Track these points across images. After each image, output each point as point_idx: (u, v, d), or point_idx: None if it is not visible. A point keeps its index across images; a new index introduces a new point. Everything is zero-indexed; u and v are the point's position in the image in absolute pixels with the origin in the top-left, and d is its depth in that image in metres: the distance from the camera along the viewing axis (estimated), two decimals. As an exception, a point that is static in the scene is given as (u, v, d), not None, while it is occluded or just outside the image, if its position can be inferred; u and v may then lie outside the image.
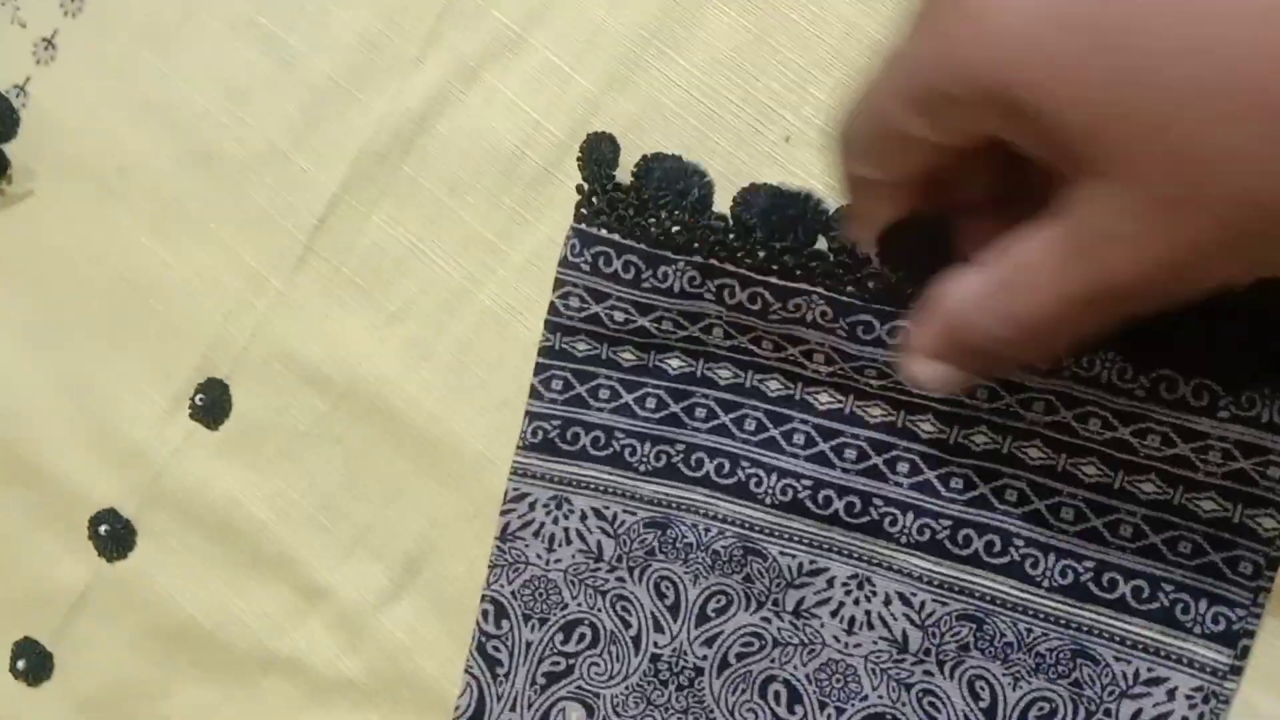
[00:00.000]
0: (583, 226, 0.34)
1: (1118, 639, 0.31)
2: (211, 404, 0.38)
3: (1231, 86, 0.20)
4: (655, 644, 0.34)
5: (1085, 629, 0.31)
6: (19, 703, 0.40)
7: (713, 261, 0.32)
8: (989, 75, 0.22)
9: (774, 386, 0.33)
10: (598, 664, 0.34)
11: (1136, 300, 0.23)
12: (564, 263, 0.34)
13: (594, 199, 0.34)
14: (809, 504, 0.32)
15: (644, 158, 0.33)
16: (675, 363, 0.34)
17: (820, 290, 0.31)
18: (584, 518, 0.35)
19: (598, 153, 0.34)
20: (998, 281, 0.25)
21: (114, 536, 0.39)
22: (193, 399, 0.39)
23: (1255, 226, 0.21)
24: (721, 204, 0.33)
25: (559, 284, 0.34)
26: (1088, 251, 0.23)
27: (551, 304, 0.34)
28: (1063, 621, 0.31)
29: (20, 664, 0.40)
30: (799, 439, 0.33)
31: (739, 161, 0.33)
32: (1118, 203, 0.22)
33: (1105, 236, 0.22)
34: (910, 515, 0.32)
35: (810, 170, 0.33)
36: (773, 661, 0.33)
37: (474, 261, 0.36)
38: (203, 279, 0.39)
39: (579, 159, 0.34)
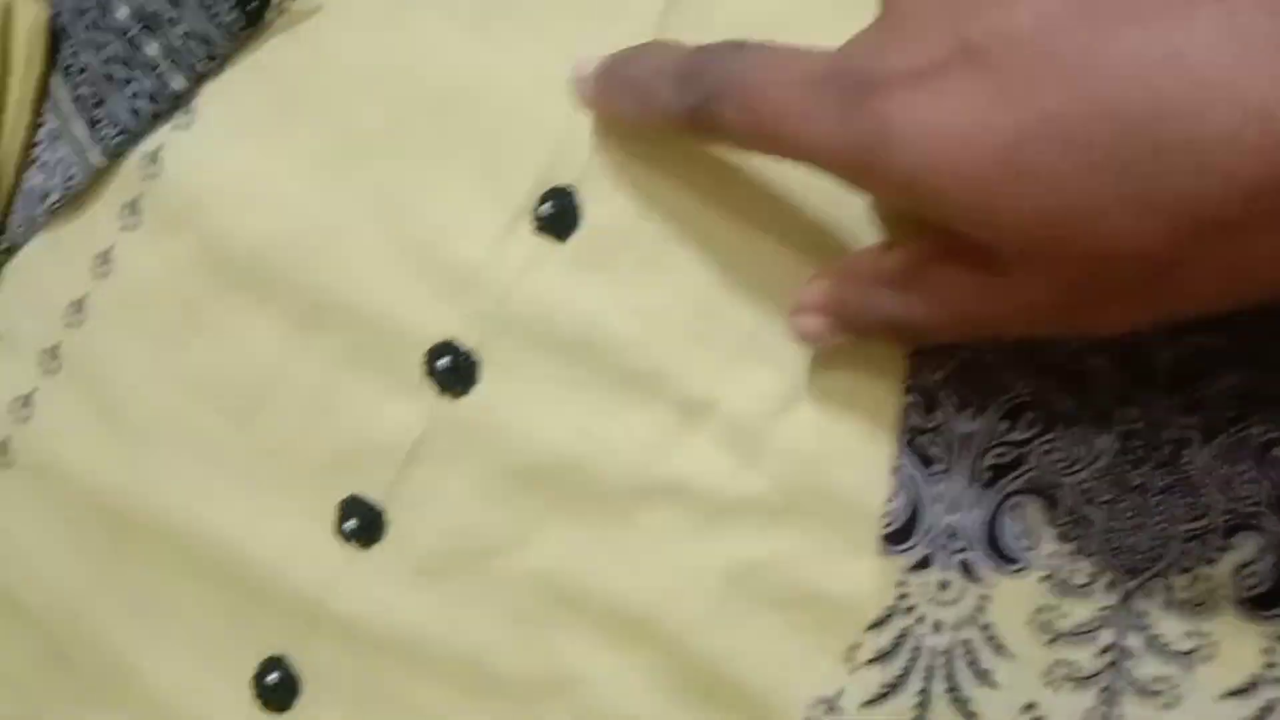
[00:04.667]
0: None
1: None
2: (559, 214, 0.36)
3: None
4: (1125, 419, 0.31)
5: None
6: (349, 567, 0.38)
7: None
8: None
9: None
10: (1055, 450, 0.32)
11: None
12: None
13: None
14: None
15: None
16: None
17: None
18: None
19: None
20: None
21: (456, 370, 0.37)
22: (536, 210, 0.36)
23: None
24: None
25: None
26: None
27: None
28: None
29: (348, 525, 0.38)
30: None
31: None
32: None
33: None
34: None
35: None
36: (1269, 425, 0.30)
37: None
38: (538, 78, 0.36)
39: None
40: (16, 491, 0.44)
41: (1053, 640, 0.32)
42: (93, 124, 0.43)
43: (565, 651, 0.37)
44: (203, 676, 0.41)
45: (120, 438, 0.42)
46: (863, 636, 0.34)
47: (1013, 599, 0.32)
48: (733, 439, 0.35)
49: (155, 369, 0.41)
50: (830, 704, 0.34)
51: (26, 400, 0.44)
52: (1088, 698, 0.32)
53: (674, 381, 0.36)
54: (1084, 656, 0.32)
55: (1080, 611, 0.32)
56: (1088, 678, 0.32)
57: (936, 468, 0.33)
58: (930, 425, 0.33)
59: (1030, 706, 0.32)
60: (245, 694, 0.40)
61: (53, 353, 0.43)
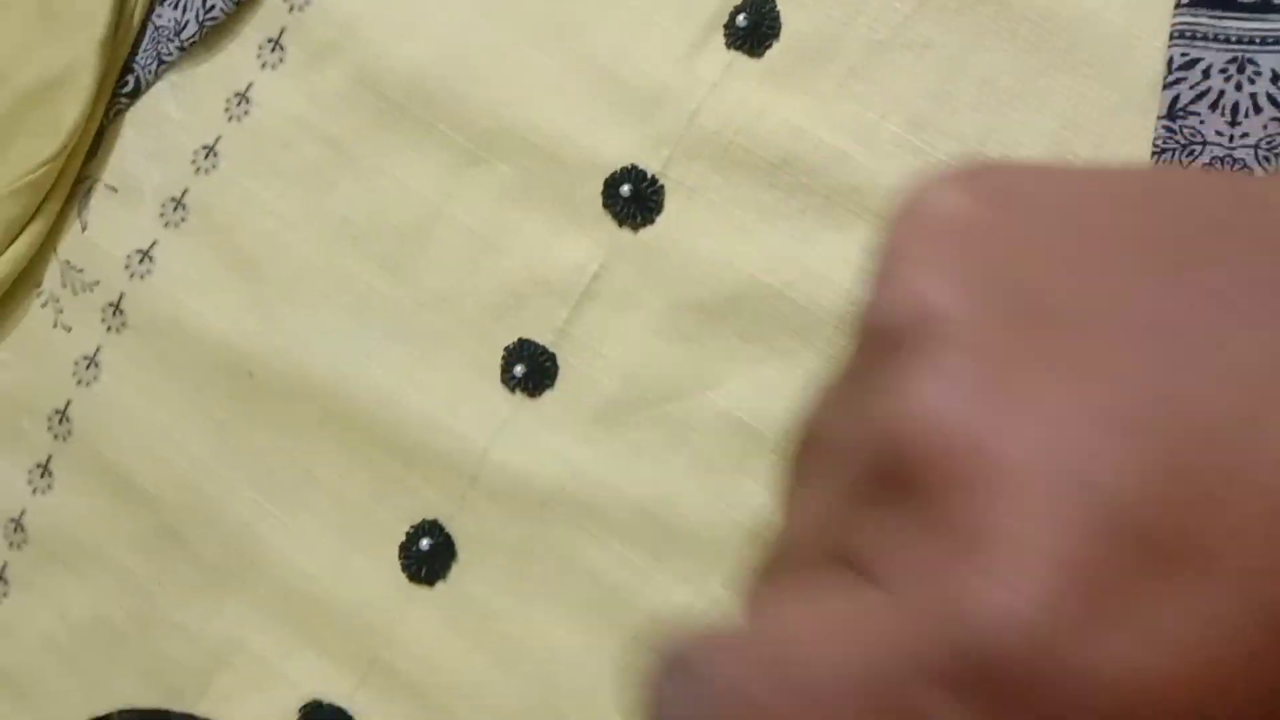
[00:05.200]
0: None
1: None
2: (753, 25, 0.34)
3: None
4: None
5: None
6: (515, 418, 0.36)
7: None
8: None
9: None
10: None
11: None
12: None
13: None
14: None
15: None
16: None
17: None
18: (1275, 79, 0.30)
19: None
20: None
21: (638, 198, 0.34)
22: (729, 23, 0.34)
23: None
24: None
25: None
26: None
27: None
28: None
29: (516, 371, 0.36)
30: None
31: None
32: None
33: None
34: None
35: None
36: None
37: None
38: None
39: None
40: (130, 356, 0.41)
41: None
42: (234, -50, 0.40)
43: (760, 500, 0.34)
44: (342, 549, 0.38)
45: (254, 291, 0.39)
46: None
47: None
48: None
49: (296, 215, 0.39)
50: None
51: (146, 254, 0.41)
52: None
53: (890, 197, 0.33)
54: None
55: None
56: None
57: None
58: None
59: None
60: (392, 565, 0.37)
61: (178, 202, 0.41)
